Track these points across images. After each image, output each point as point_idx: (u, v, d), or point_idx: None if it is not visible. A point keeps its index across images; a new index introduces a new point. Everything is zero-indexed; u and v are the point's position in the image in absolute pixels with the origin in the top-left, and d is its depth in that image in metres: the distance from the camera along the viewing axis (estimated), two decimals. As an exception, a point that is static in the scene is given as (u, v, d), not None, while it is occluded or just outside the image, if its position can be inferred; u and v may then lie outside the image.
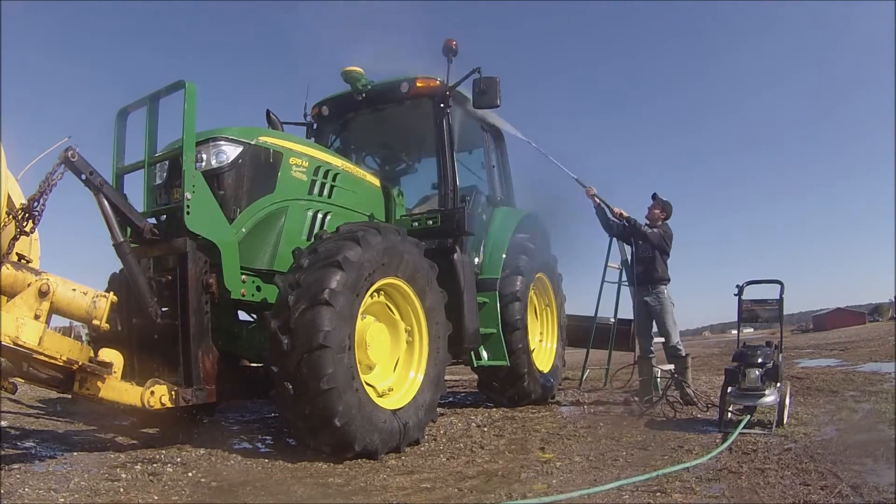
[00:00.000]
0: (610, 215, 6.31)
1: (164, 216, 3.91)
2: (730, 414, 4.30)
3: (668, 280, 6.06)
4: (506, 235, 5.93)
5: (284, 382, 3.38)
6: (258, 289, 4.01)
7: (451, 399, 7.09)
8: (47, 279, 3.00)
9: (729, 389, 4.30)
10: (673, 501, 2.57)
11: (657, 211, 6.25)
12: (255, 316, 4.50)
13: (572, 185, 6.45)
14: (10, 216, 3.08)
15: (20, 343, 2.73)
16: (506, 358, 5.56)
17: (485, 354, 5.51)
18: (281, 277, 3.64)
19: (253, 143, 4.11)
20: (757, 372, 4.22)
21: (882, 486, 2.60)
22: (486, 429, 4.73)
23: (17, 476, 3.06)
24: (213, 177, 3.88)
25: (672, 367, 5.75)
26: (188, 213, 3.55)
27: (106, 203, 3.44)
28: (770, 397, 4.15)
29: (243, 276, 3.89)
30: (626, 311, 7.59)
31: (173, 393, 3.37)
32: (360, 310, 3.71)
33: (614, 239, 7.51)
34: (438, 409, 4.63)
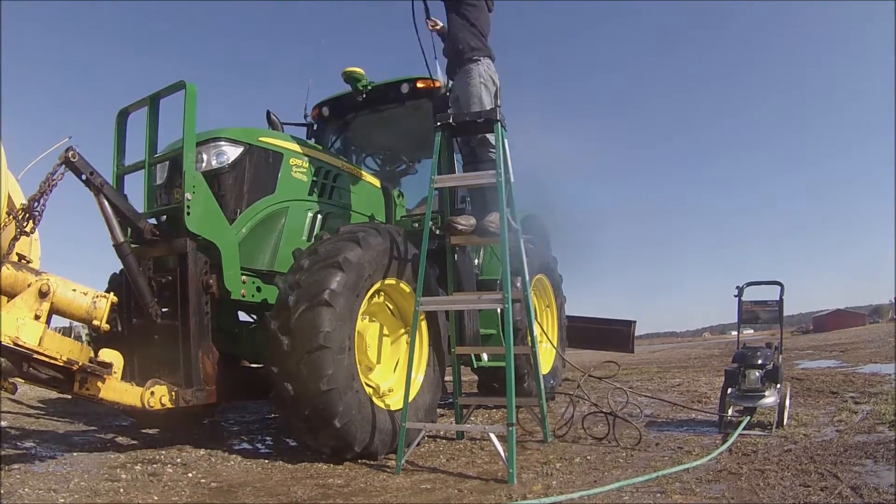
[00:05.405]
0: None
1: (165, 217, 3.91)
2: (730, 415, 4.29)
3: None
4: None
5: (284, 383, 3.38)
6: (258, 289, 4.01)
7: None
8: (47, 279, 3.00)
9: (729, 391, 4.30)
10: (673, 502, 2.57)
11: None
12: (255, 316, 4.50)
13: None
14: (11, 216, 3.08)
15: (20, 343, 2.72)
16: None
17: (485, 356, 5.51)
18: (281, 278, 3.64)
19: (253, 143, 4.11)
20: (757, 373, 4.22)
21: (882, 487, 2.59)
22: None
23: (17, 476, 3.06)
24: (214, 177, 3.89)
25: None
26: (188, 213, 3.56)
27: (106, 203, 3.45)
28: (770, 398, 4.15)
29: (243, 277, 3.89)
30: (626, 312, 7.61)
31: (173, 393, 3.37)
32: (361, 310, 3.71)
33: None
34: (438, 411, 4.63)
